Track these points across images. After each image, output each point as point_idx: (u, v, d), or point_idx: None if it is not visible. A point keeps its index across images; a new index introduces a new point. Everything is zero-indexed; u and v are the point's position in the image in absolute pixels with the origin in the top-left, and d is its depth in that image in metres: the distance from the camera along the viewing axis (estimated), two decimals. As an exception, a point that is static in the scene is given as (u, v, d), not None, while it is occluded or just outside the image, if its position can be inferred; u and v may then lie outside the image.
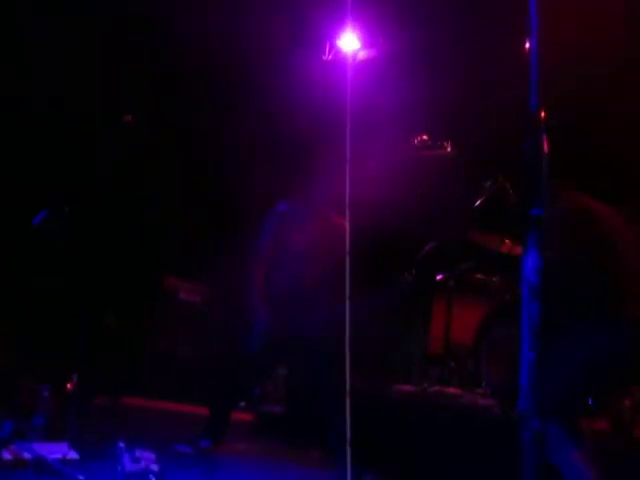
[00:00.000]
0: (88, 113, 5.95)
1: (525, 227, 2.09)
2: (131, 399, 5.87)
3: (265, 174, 6.88)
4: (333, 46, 6.10)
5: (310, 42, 6.18)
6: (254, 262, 4.38)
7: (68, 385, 4.32)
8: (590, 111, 5.14)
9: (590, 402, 4.08)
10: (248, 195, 6.84)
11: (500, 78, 4.76)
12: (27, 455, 3.76)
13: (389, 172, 5.31)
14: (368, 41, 5.91)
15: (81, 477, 3.59)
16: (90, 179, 4.45)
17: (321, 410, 4.17)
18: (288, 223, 4.36)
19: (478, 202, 5.18)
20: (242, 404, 5.77)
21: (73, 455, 3.92)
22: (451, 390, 5.27)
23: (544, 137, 2.12)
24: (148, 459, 3.65)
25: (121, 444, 3.71)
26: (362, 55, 5.89)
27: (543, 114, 2.14)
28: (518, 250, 4.85)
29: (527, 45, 2.16)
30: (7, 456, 3.75)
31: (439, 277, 5.70)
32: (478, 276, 5.70)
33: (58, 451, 3.90)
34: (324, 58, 6.15)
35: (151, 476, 3.57)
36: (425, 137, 6.13)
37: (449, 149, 6.05)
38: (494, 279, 5.61)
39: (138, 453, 3.68)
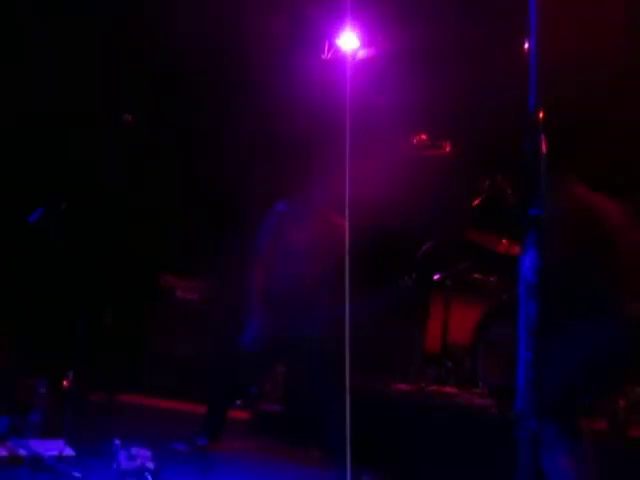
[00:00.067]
0: (88, 113, 5.96)
1: (523, 227, 2.09)
2: (127, 396, 5.88)
3: (265, 174, 6.88)
4: (332, 45, 6.10)
5: (309, 41, 6.18)
6: (253, 262, 4.38)
7: (65, 382, 4.31)
8: (590, 118, 5.14)
9: (588, 402, 4.08)
10: (248, 195, 6.84)
11: (499, 78, 4.76)
12: (23, 452, 3.75)
13: (388, 172, 5.32)
14: (367, 40, 5.92)
15: (77, 474, 3.59)
16: (90, 179, 4.45)
17: (320, 409, 4.17)
18: (287, 223, 4.34)
19: (476, 202, 5.18)
20: (238, 402, 5.79)
21: (69, 452, 3.91)
22: (448, 389, 5.28)
23: (543, 137, 2.13)
24: (144, 457, 3.64)
25: (117, 441, 3.70)
26: (361, 54, 5.90)
27: (542, 114, 2.15)
28: (515, 250, 4.85)
29: (526, 46, 2.17)
30: (3, 453, 3.74)
31: (436, 277, 5.71)
32: (475, 276, 5.71)
33: (54, 448, 3.88)
34: (323, 57, 6.15)
35: (147, 474, 3.56)
36: (424, 137, 6.13)
37: (448, 149, 6.04)
38: (491, 279, 5.63)
39: (134, 451, 3.67)
